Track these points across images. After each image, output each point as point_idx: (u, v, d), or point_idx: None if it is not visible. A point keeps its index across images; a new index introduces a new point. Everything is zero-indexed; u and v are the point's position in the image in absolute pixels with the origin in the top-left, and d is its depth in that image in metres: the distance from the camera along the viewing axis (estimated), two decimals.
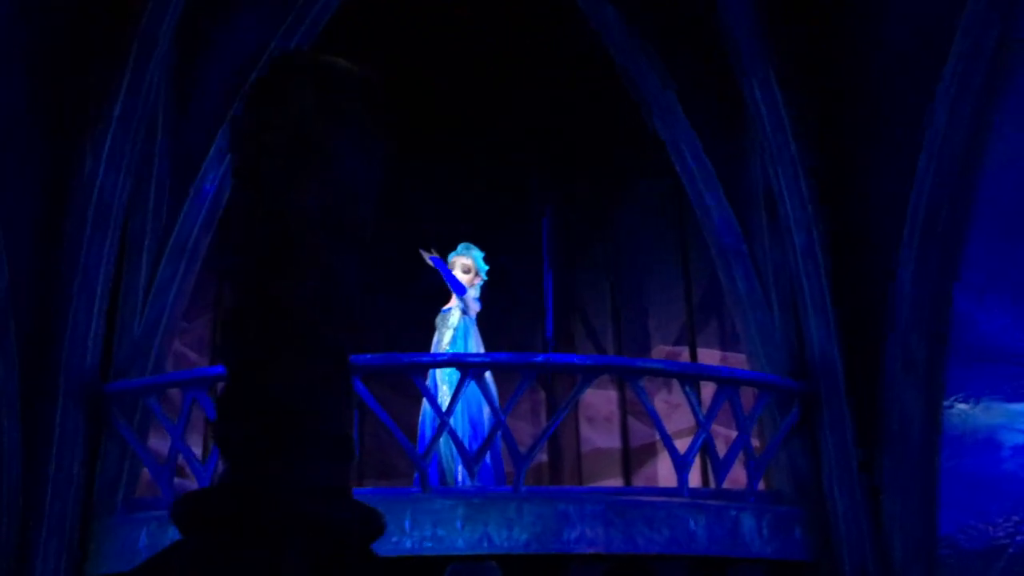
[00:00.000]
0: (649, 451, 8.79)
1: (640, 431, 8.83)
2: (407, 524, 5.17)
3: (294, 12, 6.78)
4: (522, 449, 5.55)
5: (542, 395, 9.31)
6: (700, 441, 5.70)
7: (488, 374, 6.28)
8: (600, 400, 9.07)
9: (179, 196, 6.44)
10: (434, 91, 8.52)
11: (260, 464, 1.79)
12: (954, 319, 5.77)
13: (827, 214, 6.32)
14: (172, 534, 5.34)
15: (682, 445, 5.86)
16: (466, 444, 6.00)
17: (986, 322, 5.61)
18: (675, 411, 8.14)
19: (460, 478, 6.14)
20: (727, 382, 5.79)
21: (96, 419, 5.84)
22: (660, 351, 8.65)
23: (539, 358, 5.61)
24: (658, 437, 8.21)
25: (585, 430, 9.14)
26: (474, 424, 6.14)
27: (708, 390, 6.53)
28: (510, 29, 8.44)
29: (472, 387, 5.61)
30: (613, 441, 8.98)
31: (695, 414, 5.73)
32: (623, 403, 8.91)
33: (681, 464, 5.64)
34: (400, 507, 5.15)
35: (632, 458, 8.81)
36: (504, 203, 9.28)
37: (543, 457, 9.14)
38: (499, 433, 5.49)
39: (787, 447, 6.19)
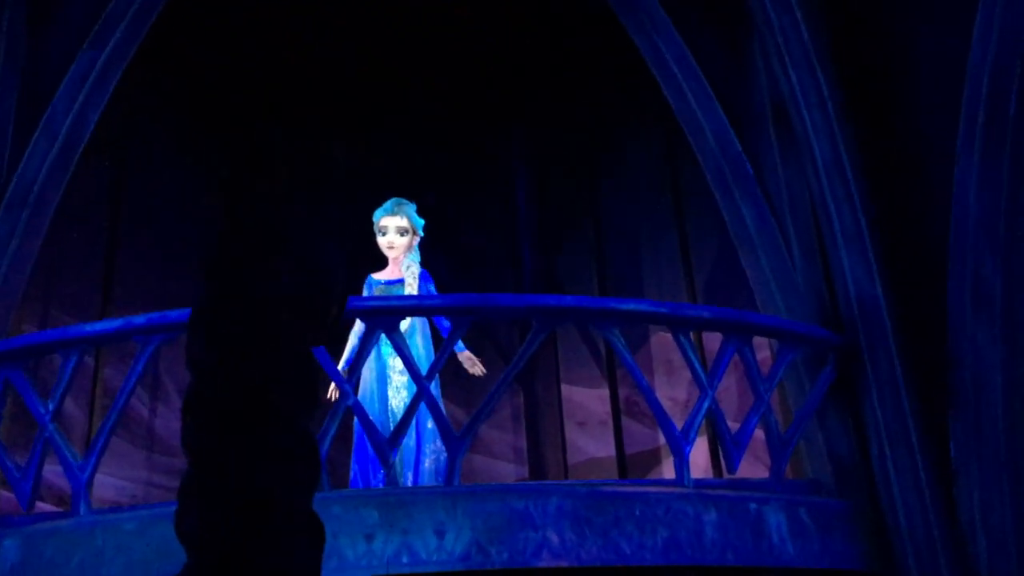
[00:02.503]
0: (651, 458, 7.26)
1: (639, 435, 7.32)
2: None
3: None
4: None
5: (521, 397, 7.86)
6: (704, 408, 4.16)
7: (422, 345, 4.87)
8: (591, 400, 7.60)
9: (24, 134, 5.04)
10: (385, 38, 7.14)
11: (225, 554, 1.72)
12: None
13: (855, 116, 4.86)
14: None
15: (694, 451, 4.34)
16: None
17: None
18: (683, 412, 6.67)
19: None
20: (736, 329, 4.26)
21: None
22: (660, 337, 7.15)
23: (470, 299, 4.07)
24: (662, 442, 6.81)
25: (574, 436, 7.64)
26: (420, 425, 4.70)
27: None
28: None
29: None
30: (608, 448, 7.46)
31: (695, 373, 4.20)
32: (616, 402, 7.40)
33: (678, 442, 4.10)
34: None
35: (630, 467, 7.26)
36: (475, 173, 7.93)
37: (523, 471, 7.65)
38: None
39: (821, 419, 4.64)
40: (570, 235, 7.81)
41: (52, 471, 4.94)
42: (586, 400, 7.56)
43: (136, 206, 6.55)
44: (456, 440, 3.93)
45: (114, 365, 6.33)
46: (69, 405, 6.21)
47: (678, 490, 4.05)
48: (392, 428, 4.25)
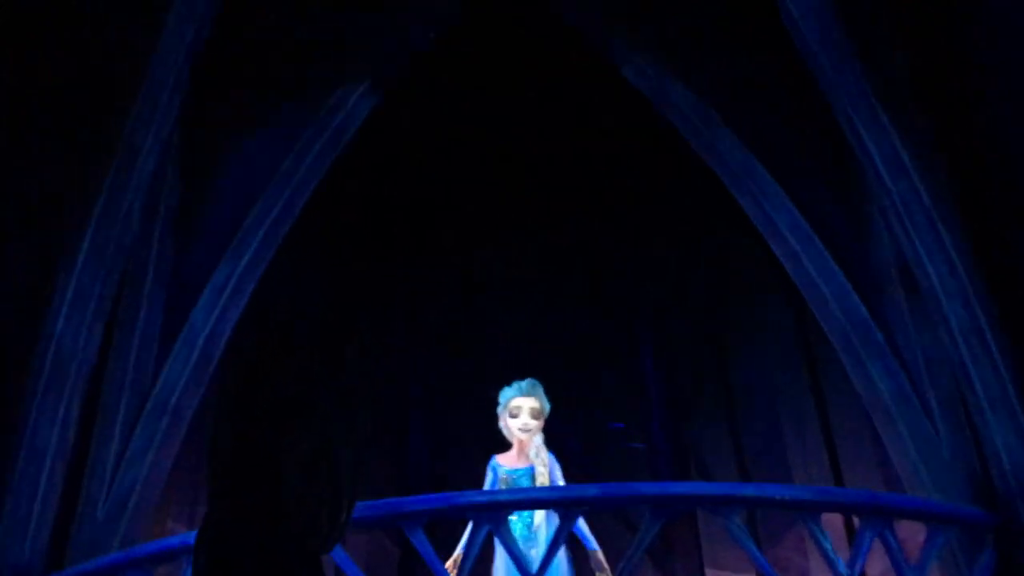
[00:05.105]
0: None
1: None
2: None
3: (307, 133, 5.89)
4: None
5: None
6: None
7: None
8: None
9: (166, 344, 5.36)
10: (506, 212, 7.39)
11: None
12: None
13: (988, 273, 4.58)
14: None
15: None
16: None
17: None
18: None
19: None
20: (871, 513, 3.93)
21: None
22: None
23: (573, 491, 3.94)
24: None
25: None
26: None
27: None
28: (596, 145, 7.28)
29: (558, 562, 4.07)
30: None
31: (830, 563, 3.87)
32: None
33: None
34: None
35: None
36: (601, 344, 7.90)
37: None
38: None
39: None
40: (702, 405, 7.58)
41: None
42: None
43: None
44: None
45: None
46: None
47: None
48: None
